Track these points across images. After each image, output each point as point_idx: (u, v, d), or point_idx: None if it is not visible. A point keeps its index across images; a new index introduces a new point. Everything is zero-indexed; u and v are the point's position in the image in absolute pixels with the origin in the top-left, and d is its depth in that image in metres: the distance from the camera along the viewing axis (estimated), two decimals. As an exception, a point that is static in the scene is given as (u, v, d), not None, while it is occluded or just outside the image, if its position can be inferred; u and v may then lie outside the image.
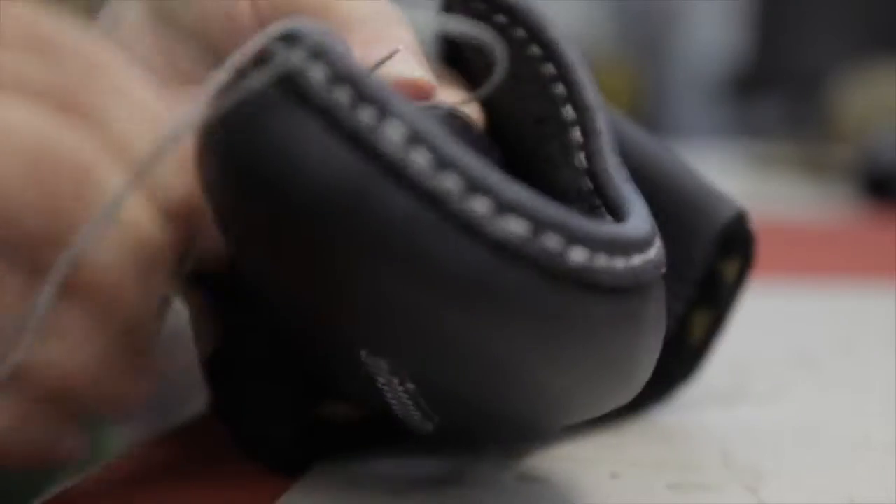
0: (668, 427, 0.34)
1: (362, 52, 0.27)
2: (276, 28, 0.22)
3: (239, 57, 0.22)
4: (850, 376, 0.41)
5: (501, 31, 0.30)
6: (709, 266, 0.32)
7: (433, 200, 0.20)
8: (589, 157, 0.28)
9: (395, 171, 0.20)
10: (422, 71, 0.28)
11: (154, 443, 0.32)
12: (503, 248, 0.20)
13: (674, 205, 0.32)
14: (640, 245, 0.23)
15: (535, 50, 0.29)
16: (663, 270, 0.24)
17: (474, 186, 0.21)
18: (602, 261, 0.21)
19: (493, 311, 0.21)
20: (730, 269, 0.33)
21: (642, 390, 0.33)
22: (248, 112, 0.21)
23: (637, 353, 0.23)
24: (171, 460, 0.30)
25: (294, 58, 0.21)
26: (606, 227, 0.22)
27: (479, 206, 0.20)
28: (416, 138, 0.21)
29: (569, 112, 0.29)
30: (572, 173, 0.28)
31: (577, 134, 0.28)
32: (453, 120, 0.29)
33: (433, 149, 0.21)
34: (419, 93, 0.27)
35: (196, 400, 0.35)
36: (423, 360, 0.23)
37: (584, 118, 0.28)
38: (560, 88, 0.29)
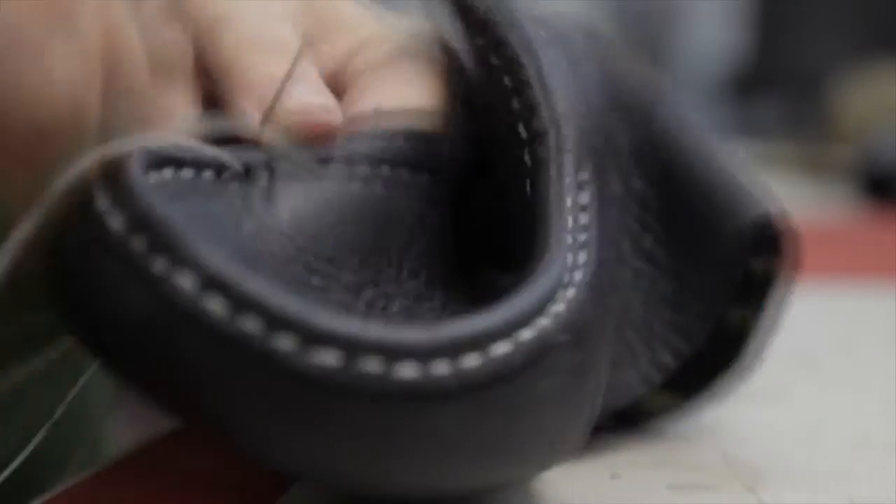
0: (668, 427, 0.34)
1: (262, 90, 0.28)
2: (87, 162, 0.22)
3: (49, 200, 0.22)
4: (851, 376, 0.41)
5: (465, 34, 0.29)
6: (735, 268, 0.31)
7: (234, 345, 0.20)
8: (533, 186, 0.27)
9: (191, 320, 0.20)
10: (319, 97, 0.28)
11: (154, 443, 0.32)
12: (318, 382, 0.20)
13: (702, 206, 0.31)
14: (507, 330, 0.22)
15: (495, 60, 0.28)
16: (563, 338, 0.23)
17: (277, 324, 0.20)
18: (441, 367, 0.21)
19: (328, 442, 0.21)
20: (762, 267, 0.32)
21: (690, 388, 0.33)
22: (61, 255, 0.22)
23: (522, 436, 0.23)
24: (171, 460, 0.30)
25: (100, 205, 0.21)
26: (450, 329, 0.22)
27: (284, 343, 0.20)
28: (209, 284, 0.20)
29: (522, 131, 0.28)
30: (519, 200, 0.27)
31: (526, 157, 0.27)
32: (411, 138, 0.28)
33: (229, 293, 0.20)
34: (317, 121, 0.27)
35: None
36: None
37: (535, 142, 0.27)
38: (516, 104, 0.28)
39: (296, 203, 0.25)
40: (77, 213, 0.22)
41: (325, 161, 0.26)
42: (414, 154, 0.28)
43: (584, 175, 0.27)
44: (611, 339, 0.27)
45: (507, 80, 0.28)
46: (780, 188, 0.36)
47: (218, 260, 0.21)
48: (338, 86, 0.30)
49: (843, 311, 0.54)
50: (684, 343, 0.31)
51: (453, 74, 0.30)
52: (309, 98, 0.28)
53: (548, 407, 0.24)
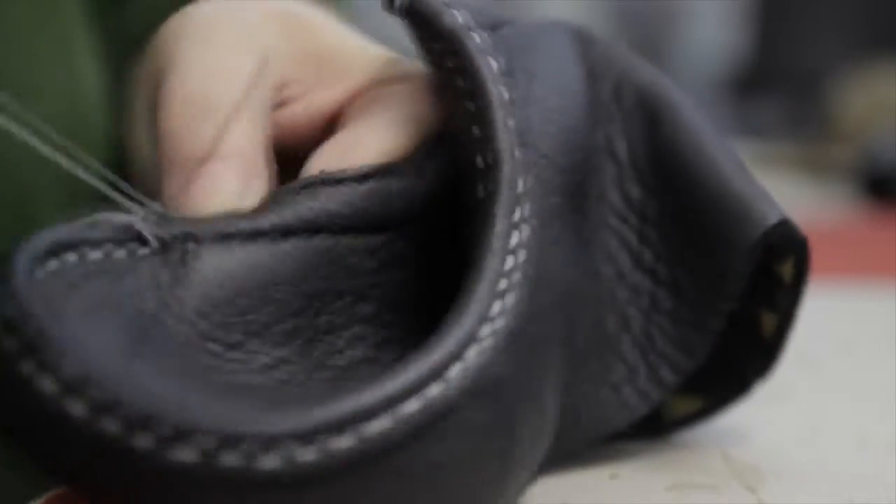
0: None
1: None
2: None
3: None
4: (851, 377, 0.41)
5: (436, 58, 0.28)
6: (743, 277, 0.30)
7: (98, 444, 0.20)
8: (478, 220, 0.26)
9: (55, 421, 0.21)
10: (233, 182, 0.27)
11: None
12: (177, 477, 0.20)
13: (709, 214, 0.30)
14: (385, 404, 0.22)
15: (460, 82, 0.27)
16: (462, 401, 0.23)
17: (136, 423, 0.20)
18: (307, 453, 0.21)
19: None
20: (786, 270, 0.31)
21: (719, 386, 0.32)
22: None
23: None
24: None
25: None
26: (320, 411, 0.21)
27: (144, 441, 0.20)
28: (71, 387, 0.20)
29: (481, 160, 0.27)
30: (473, 232, 0.26)
31: (480, 189, 0.27)
32: (369, 198, 0.27)
33: (90, 395, 0.20)
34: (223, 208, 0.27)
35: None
36: None
37: (488, 171, 0.26)
38: (476, 130, 0.27)
39: (214, 279, 0.25)
40: None
41: (253, 234, 0.26)
42: (371, 215, 0.27)
43: (519, 213, 0.26)
44: (545, 382, 0.26)
45: (469, 106, 0.27)
46: (780, 188, 0.35)
47: (81, 361, 0.21)
48: (334, 132, 0.30)
49: (844, 312, 0.54)
50: (685, 358, 0.30)
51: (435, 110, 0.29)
52: (222, 185, 0.27)
53: (445, 477, 0.23)
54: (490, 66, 0.27)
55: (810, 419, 0.35)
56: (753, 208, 0.30)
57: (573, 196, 0.29)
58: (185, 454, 0.20)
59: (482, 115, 0.27)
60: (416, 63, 0.30)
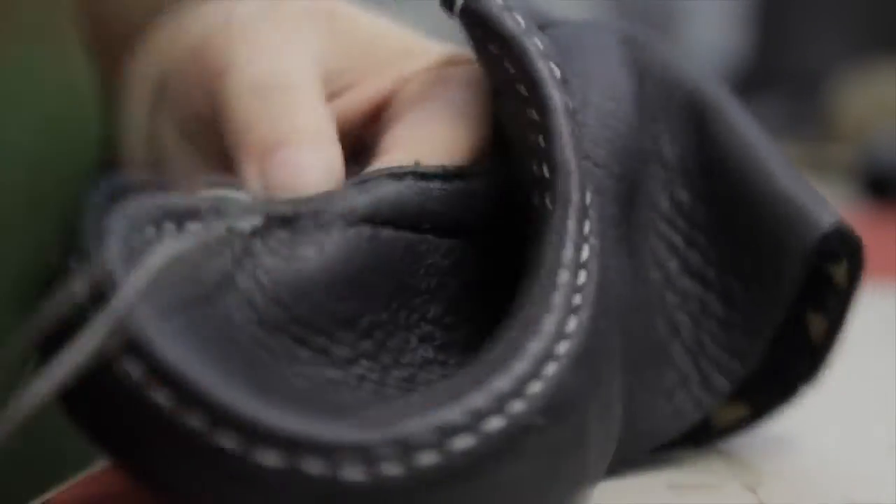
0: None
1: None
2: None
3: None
4: (850, 376, 0.41)
5: (495, 61, 0.27)
6: (795, 281, 0.29)
7: (181, 439, 0.20)
8: (547, 233, 0.25)
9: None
10: (320, 157, 0.27)
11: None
12: (263, 482, 0.20)
13: (768, 214, 0.29)
14: (471, 422, 0.21)
15: (521, 89, 0.27)
16: (539, 422, 0.22)
17: (220, 422, 0.20)
18: (392, 468, 0.21)
19: None
20: (840, 273, 0.31)
21: (765, 392, 0.31)
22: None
23: None
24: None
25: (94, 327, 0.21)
26: (405, 425, 0.21)
27: (227, 441, 0.20)
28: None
29: (544, 170, 0.26)
30: (540, 243, 0.26)
31: (537, 198, 0.26)
32: (443, 199, 0.27)
33: (177, 389, 0.20)
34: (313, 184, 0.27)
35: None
36: None
37: (554, 181, 0.26)
38: (539, 139, 0.26)
39: (299, 268, 0.24)
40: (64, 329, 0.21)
41: (352, 220, 0.25)
42: (452, 215, 0.27)
43: (588, 227, 0.26)
44: (613, 397, 0.26)
45: (531, 114, 0.27)
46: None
47: (190, 375, 0.20)
48: (383, 120, 0.30)
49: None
50: (737, 364, 0.29)
51: (489, 104, 0.29)
52: (308, 161, 0.27)
53: (523, 495, 0.23)
54: (553, 73, 0.27)
55: (810, 419, 0.35)
56: (808, 212, 0.29)
57: (625, 204, 0.28)
58: (268, 459, 0.20)
59: (547, 125, 0.26)
60: (460, 52, 0.30)
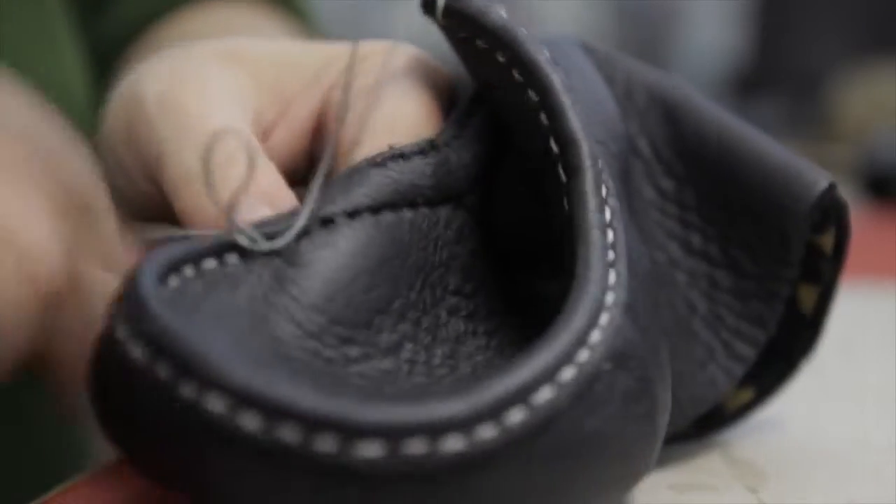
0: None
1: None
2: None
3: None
4: (850, 377, 0.41)
5: (484, 55, 0.28)
6: (799, 243, 0.31)
7: (273, 456, 0.21)
8: (570, 201, 0.27)
9: (227, 440, 0.21)
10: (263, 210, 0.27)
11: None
12: (365, 475, 0.21)
13: (762, 184, 0.31)
14: (548, 374, 0.22)
15: (517, 75, 0.28)
16: (606, 367, 0.23)
17: (315, 427, 0.21)
18: (487, 431, 0.21)
19: None
20: (826, 242, 0.32)
21: (767, 372, 0.32)
22: (92, 380, 0.23)
23: (588, 475, 0.23)
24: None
25: (119, 333, 0.22)
26: (490, 389, 0.22)
27: (325, 444, 0.21)
28: (242, 402, 0.21)
29: (553, 145, 0.27)
30: (559, 215, 0.27)
31: (560, 171, 0.27)
32: (422, 171, 0.28)
33: (262, 409, 0.21)
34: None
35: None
36: None
37: (566, 153, 0.27)
38: (543, 118, 0.27)
39: (323, 270, 0.25)
40: (101, 339, 0.22)
41: (352, 213, 0.26)
42: (440, 185, 0.28)
43: (605, 190, 0.27)
44: (662, 351, 0.27)
45: (532, 95, 0.28)
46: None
47: (245, 373, 0.21)
48: (327, 130, 0.30)
49: (843, 312, 0.54)
50: (758, 330, 0.30)
51: (442, 83, 0.30)
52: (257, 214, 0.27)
53: (606, 441, 0.24)
54: (545, 54, 0.28)
55: (810, 419, 0.35)
56: (803, 174, 0.31)
57: (624, 181, 0.29)
58: (370, 449, 0.21)
59: (548, 102, 0.27)
60: (369, 43, 0.30)
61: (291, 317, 0.24)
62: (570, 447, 0.23)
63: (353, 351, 0.25)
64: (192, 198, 0.28)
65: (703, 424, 0.32)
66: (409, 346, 0.26)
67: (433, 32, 0.30)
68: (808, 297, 0.32)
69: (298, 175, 0.30)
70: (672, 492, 0.29)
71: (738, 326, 0.30)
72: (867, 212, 0.99)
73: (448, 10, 0.28)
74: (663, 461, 0.31)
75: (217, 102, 0.29)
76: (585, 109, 0.29)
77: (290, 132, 0.31)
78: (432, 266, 0.28)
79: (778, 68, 2.03)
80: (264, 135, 0.30)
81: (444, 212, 0.28)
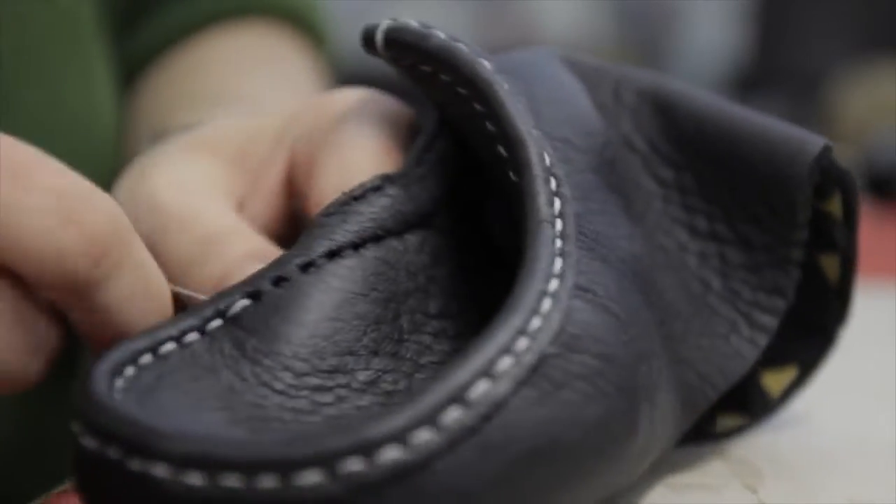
0: (668, 427, 0.34)
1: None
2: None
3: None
4: (850, 376, 0.41)
5: (430, 78, 0.29)
6: (810, 204, 0.31)
7: (219, 501, 0.21)
8: (521, 198, 0.27)
9: (173, 494, 0.21)
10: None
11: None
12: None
13: (759, 154, 0.31)
14: (482, 372, 0.23)
15: (462, 90, 0.28)
16: (552, 350, 0.24)
17: (254, 471, 0.21)
18: (424, 434, 0.22)
19: None
20: (834, 207, 0.32)
21: (806, 347, 0.33)
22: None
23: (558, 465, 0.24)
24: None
25: (75, 427, 0.23)
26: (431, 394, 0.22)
27: (267, 482, 0.21)
28: (183, 468, 0.21)
29: (501, 150, 0.28)
30: (516, 211, 0.28)
31: (510, 173, 0.28)
32: (387, 205, 0.28)
33: (202, 467, 0.21)
34: None
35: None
36: None
37: (513, 154, 0.28)
38: (489, 126, 0.28)
39: (283, 331, 0.26)
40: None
41: (307, 265, 0.27)
42: (404, 215, 0.28)
43: (555, 182, 0.27)
44: (648, 325, 0.27)
45: (478, 107, 0.28)
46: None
47: (184, 441, 0.21)
48: (299, 184, 0.31)
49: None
50: (777, 299, 0.31)
51: (400, 121, 0.31)
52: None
53: (568, 424, 0.24)
54: (484, 65, 0.28)
55: (810, 419, 0.35)
56: (799, 140, 0.31)
57: (607, 175, 0.30)
58: (310, 478, 0.21)
59: (492, 109, 0.28)
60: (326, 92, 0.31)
61: (259, 379, 0.25)
62: (523, 436, 0.23)
63: (326, 397, 0.25)
64: (187, 281, 0.29)
65: (752, 412, 0.32)
66: (388, 377, 0.26)
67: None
68: (830, 266, 0.33)
69: (280, 233, 0.32)
70: (672, 492, 0.29)
71: (756, 298, 0.31)
72: (867, 212, 0.99)
73: (388, 42, 0.29)
74: (663, 461, 0.31)
75: (196, 191, 0.30)
76: (548, 110, 0.29)
77: (264, 201, 0.32)
78: (406, 293, 0.28)
79: (778, 68, 2.03)
80: (239, 206, 0.31)
81: (412, 238, 0.29)
